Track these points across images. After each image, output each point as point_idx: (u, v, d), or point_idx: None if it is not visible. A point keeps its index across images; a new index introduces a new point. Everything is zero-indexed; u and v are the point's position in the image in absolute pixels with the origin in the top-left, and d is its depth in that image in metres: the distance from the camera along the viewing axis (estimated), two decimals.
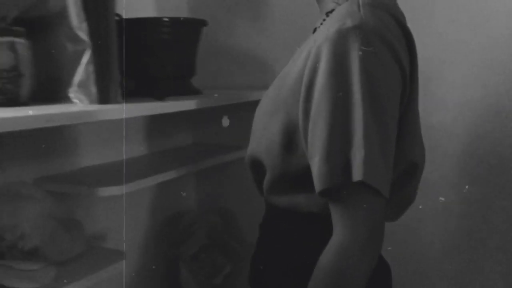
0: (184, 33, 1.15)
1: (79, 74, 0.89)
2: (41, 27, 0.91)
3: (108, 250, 1.04)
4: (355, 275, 0.66)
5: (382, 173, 0.66)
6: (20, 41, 0.87)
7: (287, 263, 0.78)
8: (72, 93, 0.91)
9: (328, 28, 0.69)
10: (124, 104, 0.88)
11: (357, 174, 0.64)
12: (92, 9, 0.87)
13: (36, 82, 0.90)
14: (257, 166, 0.81)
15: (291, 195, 0.77)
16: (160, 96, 1.03)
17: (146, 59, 1.12)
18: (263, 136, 0.78)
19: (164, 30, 1.11)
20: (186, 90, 1.16)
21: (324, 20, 0.77)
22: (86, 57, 0.88)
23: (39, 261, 0.91)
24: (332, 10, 0.76)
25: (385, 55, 0.68)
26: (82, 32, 0.87)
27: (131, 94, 1.04)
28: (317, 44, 0.69)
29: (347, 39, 0.67)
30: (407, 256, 1.27)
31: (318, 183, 0.67)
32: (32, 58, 0.89)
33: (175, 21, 1.13)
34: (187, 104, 1.02)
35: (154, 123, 1.34)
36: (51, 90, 0.94)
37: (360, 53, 0.66)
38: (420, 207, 1.25)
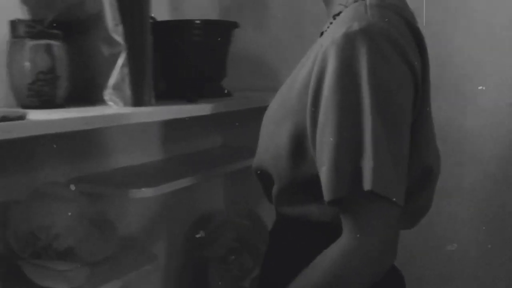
0: (216, 35, 1.15)
1: (114, 76, 0.90)
2: (77, 30, 0.93)
3: (139, 251, 1.04)
4: (356, 283, 0.65)
5: (394, 182, 0.64)
6: (56, 44, 0.88)
7: (296, 273, 0.75)
8: (107, 95, 0.92)
9: (334, 32, 0.67)
10: (158, 107, 0.89)
11: (366, 183, 0.62)
12: (128, 12, 0.87)
13: (71, 84, 0.92)
14: (265, 175, 0.79)
15: (300, 204, 0.75)
16: (192, 98, 1.03)
17: (178, 61, 1.12)
18: (271, 144, 0.76)
19: (197, 32, 1.11)
20: (217, 92, 1.16)
21: (331, 23, 0.76)
22: (121, 60, 0.89)
23: (73, 262, 0.92)
24: (339, 13, 0.74)
25: (395, 58, 0.66)
26: (117, 34, 0.88)
27: (162, 96, 1.05)
28: (323, 49, 0.67)
29: (354, 42, 0.64)
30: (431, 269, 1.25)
31: (327, 193, 0.65)
32: (68, 61, 0.91)
33: (207, 24, 1.13)
34: (219, 107, 1.02)
35: (184, 124, 1.34)
36: (86, 92, 0.95)
37: (368, 57, 0.64)
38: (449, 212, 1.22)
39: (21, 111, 0.70)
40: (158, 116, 0.85)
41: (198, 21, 1.12)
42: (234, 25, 1.19)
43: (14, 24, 0.87)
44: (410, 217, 0.78)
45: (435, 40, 1.22)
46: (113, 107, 0.91)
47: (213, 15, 1.43)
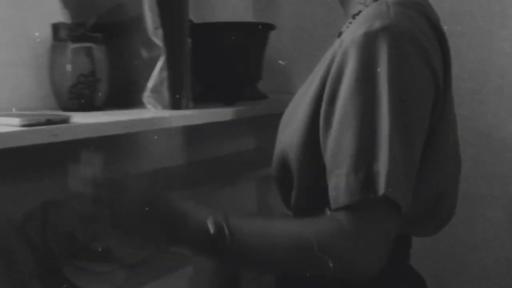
0: (252, 37, 1.14)
1: (153, 79, 0.90)
2: (117, 33, 0.93)
3: (175, 254, 1.04)
4: (321, 267, 0.61)
5: (404, 188, 0.62)
6: (97, 47, 0.89)
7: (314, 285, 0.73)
8: (145, 98, 0.92)
9: (354, 31, 0.64)
10: (196, 110, 0.88)
11: (381, 188, 0.59)
12: (168, 15, 0.87)
13: (110, 87, 0.92)
14: (282, 180, 0.77)
15: (318, 212, 0.71)
16: (230, 101, 1.02)
17: (215, 63, 1.12)
18: (287, 150, 0.73)
19: (234, 34, 1.10)
20: (253, 95, 1.16)
21: (350, 23, 0.72)
22: (160, 63, 0.89)
23: (111, 263, 0.93)
24: (359, 13, 0.70)
25: (416, 59, 0.63)
26: (157, 38, 0.88)
27: (199, 98, 1.05)
28: (343, 49, 0.65)
29: (375, 42, 0.62)
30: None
31: (344, 198, 0.61)
32: (108, 63, 0.91)
33: (244, 26, 1.13)
34: (257, 110, 1.01)
35: (218, 127, 1.34)
36: (124, 94, 0.95)
37: (389, 57, 0.61)
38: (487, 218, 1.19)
39: (64, 114, 0.71)
40: (196, 119, 0.85)
41: (235, 23, 1.12)
42: (270, 27, 1.18)
43: (56, 27, 0.88)
44: (432, 225, 0.76)
45: (477, 43, 1.18)
46: (151, 110, 0.91)
47: (248, 17, 1.42)
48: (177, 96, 0.91)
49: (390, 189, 0.59)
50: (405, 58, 0.62)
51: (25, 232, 0.88)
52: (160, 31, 0.87)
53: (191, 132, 1.27)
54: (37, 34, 0.93)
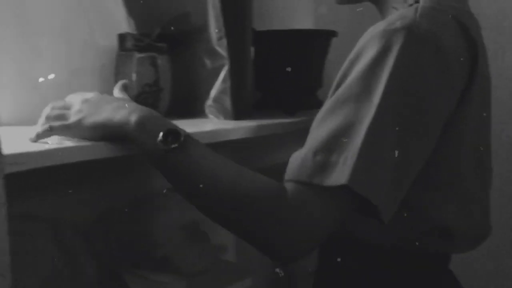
0: (314, 44, 1.11)
1: (216, 89, 0.89)
2: (181, 42, 0.93)
3: (234, 265, 1.03)
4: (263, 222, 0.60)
5: (378, 185, 0.59)
6: (161, 57, 0.89)
7: None
8: (207, 108, 0.91)
9: (376, 27, 0.65)
10: (258, 121, 0.87)
11: (342, 176, 0.58)
12: (232, 25, 0.86)
13: (173, 96, 0.92)
14: None
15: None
16: (290, 110, 1.00)
17: (275, 71, 1.10)
18: None
19: (296, 42, 1.08)
20: (313, 104, 1.13)
21: None
22: (223, 73, 0.88)
23: (170, 272, 0.93)
24: None
25: (432, 64, 0.62)
26: (221, 47, 0.87)
27: (257, 106, 1.03)
28: (360, 42, 0.66)
29: (391, 38, 0.62)
30: None
31: (293, 171, 0.61)
32: (171, 73, 0.91)
33: (306, 33, 1.10)
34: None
35: (274, 135, 1.32)
36: (186, 104, 0.95)
37: (399, 55, 0.61)
38: None
39: None
40: (260, 131, 0.83)
41: (297, 31, 1.09)
42: (332, 34, 1.15)
43: (122, 38, 0.88)
44: (464, 241, 0.74)
45: None
46: (213, 120, 0.91)
47: (308, 24, 1.40)
48: (240, 106, 0.89)
49: (351, 182, 0.57)
50: (416, 59, 0.62)
51: (88, 239, 0.90)
52: (224, 41, 0.86)
53: (248, 141, 1.26)
54: (103, 43, 0.95)
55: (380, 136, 0.60)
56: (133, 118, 0.62)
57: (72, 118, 0.64)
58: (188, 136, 0.62)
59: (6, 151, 0.50)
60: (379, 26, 0.64)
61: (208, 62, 0.90)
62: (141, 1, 0.95)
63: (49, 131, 0.63)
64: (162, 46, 0.89)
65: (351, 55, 0.66)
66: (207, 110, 0.91)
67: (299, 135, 1.40)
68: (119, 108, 0.64)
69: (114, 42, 0.91)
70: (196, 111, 0.93)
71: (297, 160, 0.62)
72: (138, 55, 0.87)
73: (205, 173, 0.61)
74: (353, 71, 0.64)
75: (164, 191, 1.05)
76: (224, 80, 0.88)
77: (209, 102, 0.91)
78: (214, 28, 0.87)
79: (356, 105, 0.61)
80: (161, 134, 0.60)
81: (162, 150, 0.60)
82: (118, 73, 0.90)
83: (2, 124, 0.82)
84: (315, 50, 1.12)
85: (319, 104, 1.15)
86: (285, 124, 0.89)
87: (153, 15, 0.94)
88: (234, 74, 0.88)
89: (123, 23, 0.95)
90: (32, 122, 0.85)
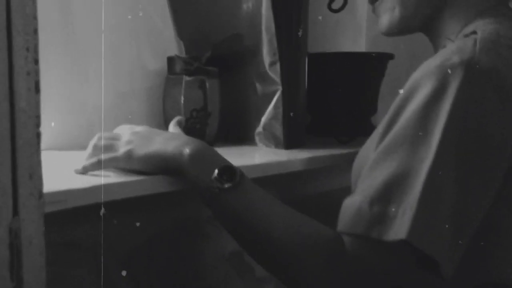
0: (370, 68, 1.05)
1: (267, 116, 0.85)
2: (231, 65, 0.89)
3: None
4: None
5: (437, 238, 0.54)
6: (211, 80, 0.86)
7: None
8: (257, 135, 0.87)
9: (430, 62, 0.60)
10: (311, 152, 0.81)
11: (401, 231, 0.53)
12: (287, 48, 0.81)
13: (221, 121, 0.88)
14: None
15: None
16: (344, 139, 0.94)
17: (328, 95, 1.04)
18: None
19: (351, 65, 1.03)
20: (368, 130, 1.06)
21: None
22: (275, 99, 0.83)
23: None
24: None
25: (494, 103, 0.57)
26: (274, 72, 0.82)
27: (307, 131, 0.98)
28: (413, 78, 0.60)
29: (448, 75, 0.57)
30: None
31: (348, 224, 0.57)
32: (220, 97, 0.87)
33: (361, 56, 1.05)
34: None
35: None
36: (235, 130, 0.91)
37: (458, 93, 0.56)
38: None
39: None
40: (313, 163, 0.78)
41: (351, 53, 1.04)
42: (389, 56, 1.08)
43: (171, 61, 0.85)
44: None
45: None
46: (263, 148, 0.86)
47: (359, 46, 1.34)
48: (291, 134, 0.84)
49: (410, 236, 0.53)
50: (477, 98, 0.57)
51: (130, 268, 0.87)
52: (277, 66, 0.82)
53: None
54: (151, 66, 0.92)
55: (440, 183, 0.55)
56: (187, 151, 0.59)
57: (122, 149, 0.61)
58: (243, 175, 0.59)
59: (48, 185, 0.47)
60: (434, 61, 0.59)
61: (259, 87, 0.86)
62: (192, 23, 0.91)
63: (97, 164, 0.60)
64: (211, 69, 0.86)
65: (404, 93, 0.61)
66: (256, 138, 0.87)
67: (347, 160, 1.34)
68: (171, 139, 0.61)
69: (162, 65, 0.88)
70: (245, 138, 0.88)
71: (352, 210, 0.57)
72: (186, 78, 0.84)
73: (259, 217, 0.58)
74: (407, 110, 0.59)
75: (207, 219, 1.02)
76: (275, 107, 0.84)
77: (259, 129, 0.86)
78: (267, 52, 0.82)
79: (412, 149, 0.56)
80: (216, 171, 0.58)
81: (216, 188, 0.57)
82: (166, 97, 0.87)
83: (47, 148, 0.80)
84: (371, 74, 1.06)
85: (372, 131, 1.09)
86: (339, 156, 0.83)
87: (203, 37, 0.91)
88: (287, 101, 0.83)
89: (172, 45, 0.92)
90: (79, 146, 0.83)
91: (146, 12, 0.91)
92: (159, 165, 0.61)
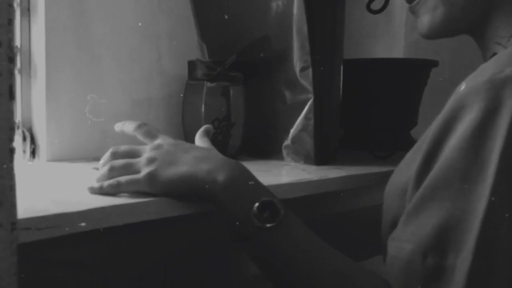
0: (412, 76, 0.96)
1: (296, 128, 0.76)
2: (258, 72, 0.81)
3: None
4: None
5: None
6: (235, 87, 0.78)
7: None
8: (285, 149, 0.78)
9: (476, 76, 0.50)
10: (344, 170, 0.72)
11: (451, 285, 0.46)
12: (320, 54, 0.73)
13: (246, 133, 0.80)
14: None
15: None
16: (382, 154, 0.85)
17: (364, 106, 0.95)
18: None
19: (390, 72, 0.93)
20: (406, 145, 0.96)
21: None
22: (306, 109, 0.75)
23: None
24: (494, 55, 0.55)
25: None
26: (305, 79, 0.74)
27: (340, 144, 0.89)
28: (457, 96, 0.50)
29: (502, 91, 0.47)
30: None
31: (399, 276, 0.48)
32: (245, 106, 0.80)
33: (402, 63, 0.95)
34: None
35: None
36: (261, 142, 0.83)
37: None
38: None
39: None
40: (348, 184, 0.69)
41: (391, 60, 0.95)
42: (433, 63, 0.99)
43: (192, 65, 0.78)
44: None
45: None
46: (291, 164, 0.77)
47: (398, 52, 1.24)
48: (323, 149, 0.75)
49: None
50: None
51: None
52: (309, 72, 0.73)
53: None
54: (171, 71, 0.85)
55: (498, 223, 0.46)
56: (221, 178, 0.51)
57: (143, 171, 0.53)
58: (287, 212, 0.51)
59: (54, 206, 0.40)
60: (481, 75, 0.49)
61: (288, 95, 0.77)
62: (216, 24, 0.84)
63: (116, 187, 0.53)
64: (236, 75, 0.78)
65: (446, 114, 0.51)
66: (284, 152, 0.78)
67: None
68: (201, 160, 0.53)
69: (183, 70, 0.81)
70: (271, 152, 0.80)
71: (402, 262, 0.49)
72: (208, 84, 0.76)
73: (303, 263, 0.50)
74: (452, 137, 0.49)
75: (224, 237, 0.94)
76: (306, 117, 0.75)
77: (287, 142, 0.78)
78: (298, 57, 0.74)
79: (466, 186, 0.47)
80: (256, 206, 0.50)
81: (254, 226, 0.49)
82: (185, 104, 0.80)
83: (54, 159, 0.74)
84: (412, 82, 0.96)
85: (413, 146, 0.99)
86: (377, 175, 0.74)
87: (228, 40, 0.83)
88: (318, 111, 0.74)
89: (194, 48, 0.85)
90: (91, 157, 0.77)
91: (166, 13, 0.84)
92: (186, 191, 0.53)
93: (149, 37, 0.82)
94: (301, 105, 0.75)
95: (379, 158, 0.86)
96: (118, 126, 0.62)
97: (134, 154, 0.56)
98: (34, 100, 0.74)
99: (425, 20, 0.63)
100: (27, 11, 0.73)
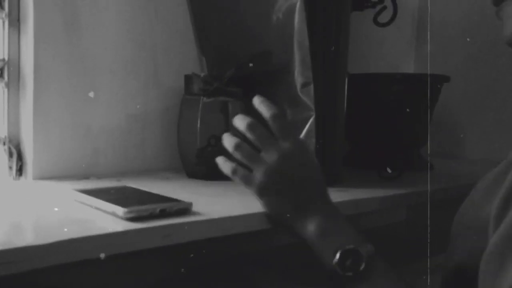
0: (422, 92, 0.91)
1: None
2: (257, 86, 0.77)
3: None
4: None
5: None
6: (233, 103, 0.74)
7: None
8: None
9: None
10: (354, 192, 0.68)
11: None
12: (322, 69, 0.69)
13: None
14: None
15: None
16: (390, 175, 0.80)
17: (371, 123, 0.91)
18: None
19: (398, 88, 0.89)
20: (417, 164, 0.92)
21: None
22: (307, 127, 0.70)
23: None
24: None
25: None
26: (306, 95, 0.69)
27: (344, 163, 0.84)
28: None
29: None
30: None
31: None
32: None
33: (414, 78, 0.91)
34: (432, 189, 0.76)
35: None
36: None
37: None
38: None
39: (183, 202, 0.54)
40: (354, 209, 0.64)
41: (399, 75, 0.90)
42: (444, 79, 0.94)
43: (189, 80, 0.74)
44: None
45: None
46: None
47: (408, 67, 1.20)
48: (326, 169, 0.71)
49: None
50: None
51: None
52: (311, 88, 0.69)
53: None
54: (168, 84, 0.81)
55: None
56: (311, 228, 0.54)
57: (254, 182, 0.55)
58: (372, 259, 0.52)
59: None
60: None
61: (289, 112, 0.73)
62: (216, 37, 0.80)
63: (232, 173, 0.56)
64: (235, 90, 0.74)
65: None
66: None
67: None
68: (302, 202, 0.55)
69: (181, 82, 0.77)
70: None
71: None
72: (205, 100, 0.73)
73: None
74: None
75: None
76: (308, 136, 0.70)
77: None
78: (299, 71, 0.70)
79: None
80: (338, 254, 0.51)
81: (338, 273, 0.52)
82: (182, 120, 0.76)
83: (44, 177, 0.70)
84: (422, 98, 0.92)
85: (422, 165, 0.94)
86: (385, 199, 0.69)
87: (228, 54, 0.79)
88: (320, 129, 0.70)
89: (192, 61, 0.81)
90: (81, 176, 0.73)
91: (163, 24, 0.81)
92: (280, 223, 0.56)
93: (144, 48, 0.79)
94: (302, 123, 0.71)
95: (386, 178, 0.81)
96: (256, 101, 0.61)
97: (263, 142, 0.57)
98: (22, 115, 0.71)
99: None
100: (16, 22, 0.70)
